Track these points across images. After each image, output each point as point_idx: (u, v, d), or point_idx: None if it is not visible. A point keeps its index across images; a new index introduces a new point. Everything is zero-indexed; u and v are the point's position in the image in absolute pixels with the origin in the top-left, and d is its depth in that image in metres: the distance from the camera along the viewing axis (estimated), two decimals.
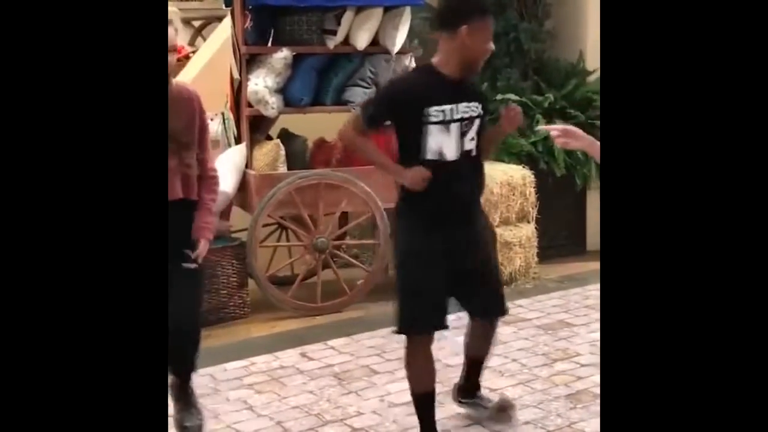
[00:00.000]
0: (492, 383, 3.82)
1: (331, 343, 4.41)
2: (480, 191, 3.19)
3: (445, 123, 2.92)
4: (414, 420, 3.19)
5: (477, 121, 3.06)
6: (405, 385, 3.21)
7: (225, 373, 4.01)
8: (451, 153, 2.95)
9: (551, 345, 4.41)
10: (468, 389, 3.47)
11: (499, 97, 5.66)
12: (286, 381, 3.93)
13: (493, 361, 3.91)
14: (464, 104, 3.00)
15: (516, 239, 5.50)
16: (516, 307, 4.91)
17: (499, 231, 5.37)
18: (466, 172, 3.03)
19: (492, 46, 3.02)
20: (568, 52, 6.10)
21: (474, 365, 3.44)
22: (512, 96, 5.65)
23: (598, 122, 5.65)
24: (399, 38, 4.99)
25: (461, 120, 2.95)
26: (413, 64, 5.02)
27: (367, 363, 4.12)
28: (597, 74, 5.93)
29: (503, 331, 4.49)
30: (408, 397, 3.20)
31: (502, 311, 3.32)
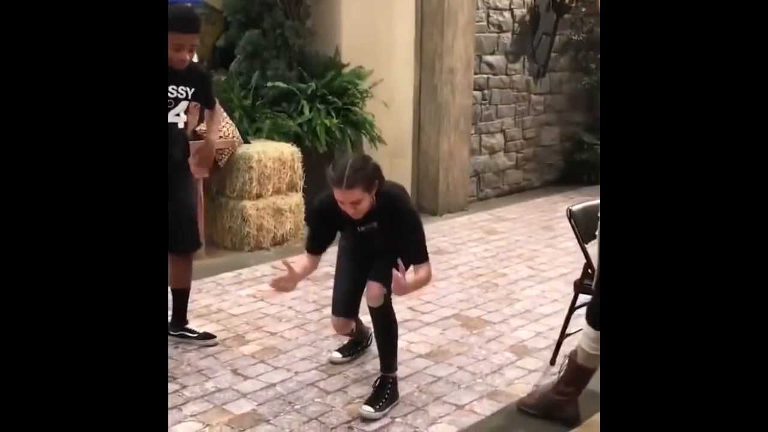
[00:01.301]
0: (272, 328, 4.29)
1: None
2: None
3: None
4: None
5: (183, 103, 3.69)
6: None
7: None
8: None
9: (319, 294, 4.76)
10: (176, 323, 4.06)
11: (269, 84, 6.17)
12: None
13: (271, 309, 4.57)
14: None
15: (287, 206, 5.93)
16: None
17: (272, 199, 5.85)
18: None
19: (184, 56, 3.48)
20: (326, 46, 6.54)
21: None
22: (280, 84, 6.17)
23: (352, 107, 6.34)
24: None
25: None
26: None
27: None
28: (351, 66, 6.50)
29: None
30: None
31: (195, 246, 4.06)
